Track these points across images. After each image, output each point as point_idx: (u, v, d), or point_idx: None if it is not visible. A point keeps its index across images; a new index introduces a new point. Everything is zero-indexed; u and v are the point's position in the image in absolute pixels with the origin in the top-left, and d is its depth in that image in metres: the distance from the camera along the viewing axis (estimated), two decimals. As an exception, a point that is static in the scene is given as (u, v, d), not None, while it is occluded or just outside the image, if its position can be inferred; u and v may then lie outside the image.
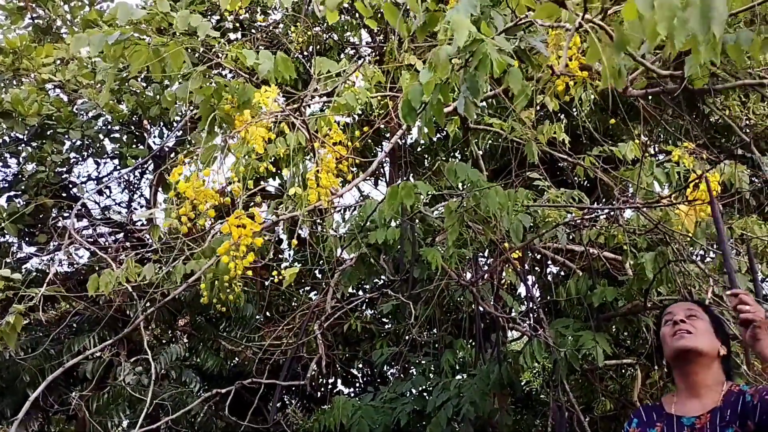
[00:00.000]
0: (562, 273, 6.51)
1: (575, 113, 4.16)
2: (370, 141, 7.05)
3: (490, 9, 2.57)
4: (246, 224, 2.17)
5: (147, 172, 8.00)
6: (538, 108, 4.28)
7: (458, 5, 2.44)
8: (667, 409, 2.43)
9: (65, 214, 7.44)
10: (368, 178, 6.64)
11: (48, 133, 6.42)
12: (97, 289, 2.52)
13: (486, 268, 4.78)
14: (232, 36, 7.61)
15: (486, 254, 4.81)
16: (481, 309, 4.77)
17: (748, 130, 6.20)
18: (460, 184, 4.05)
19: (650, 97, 4.74)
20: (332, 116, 2.53)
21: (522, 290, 6.77)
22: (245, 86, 2.16)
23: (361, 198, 7.11)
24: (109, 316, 6.21)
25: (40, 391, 3.60)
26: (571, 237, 4.83)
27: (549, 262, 5.81)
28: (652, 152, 5.63)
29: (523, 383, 7.39)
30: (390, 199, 2.89)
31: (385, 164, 7.56)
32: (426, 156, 7.90)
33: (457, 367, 6.06)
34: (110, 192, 8.25)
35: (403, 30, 3.01)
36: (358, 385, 8.75)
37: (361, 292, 7.64)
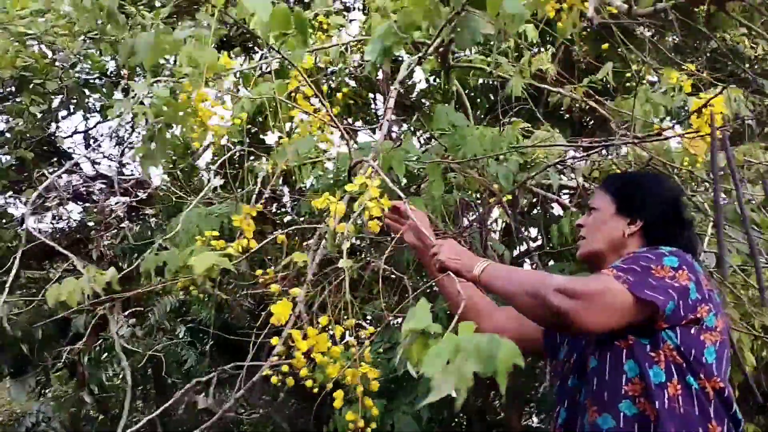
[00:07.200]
0: (560, 215, 6.33)
1: (562, 41, 3.80)
2: (362, 89, 6.80)
3: None
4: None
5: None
6: (520, 39, 4.00)
7: None
8: None
9: (52, 169, 7.30)
10: (364, 126, 6.49)
11: (27, 86, 6.24)
12: (57, 300, 2.34)
13: (474, 216, 4.59)
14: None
15: (476, 197, 4.59)
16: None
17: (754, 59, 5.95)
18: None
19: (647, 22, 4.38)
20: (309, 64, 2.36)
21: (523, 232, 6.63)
22: (207, 50, 1.95)
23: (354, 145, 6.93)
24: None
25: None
26: (564, 174, 4.60)
27: (545, 201, 5.62)
28: (652, 79, 5.30)
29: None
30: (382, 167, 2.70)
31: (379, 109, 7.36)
32: (423, 101, 7.64)
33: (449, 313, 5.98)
34: (99, 145, 8.08)
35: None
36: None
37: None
